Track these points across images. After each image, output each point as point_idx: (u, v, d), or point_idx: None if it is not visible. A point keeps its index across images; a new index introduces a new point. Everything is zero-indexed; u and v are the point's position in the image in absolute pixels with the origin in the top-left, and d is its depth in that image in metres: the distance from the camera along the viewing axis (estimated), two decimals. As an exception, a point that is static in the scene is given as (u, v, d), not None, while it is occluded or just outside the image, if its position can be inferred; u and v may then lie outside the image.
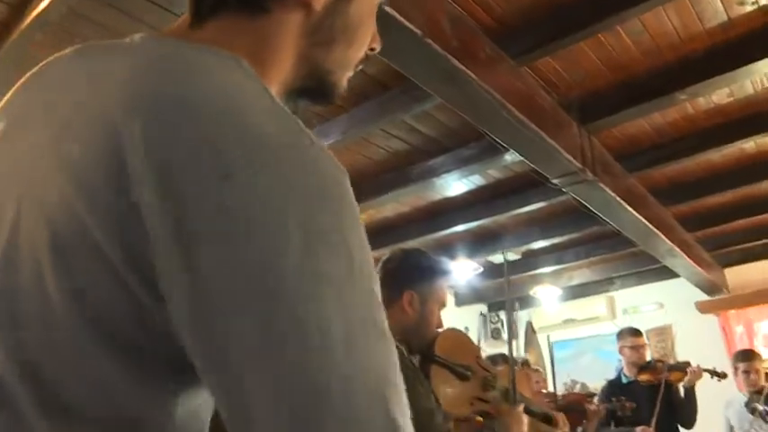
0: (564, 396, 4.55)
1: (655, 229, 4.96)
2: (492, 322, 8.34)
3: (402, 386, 0.52)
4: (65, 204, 0.54)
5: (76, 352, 0.54)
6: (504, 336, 8.03)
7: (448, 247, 6.16)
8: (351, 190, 0.57)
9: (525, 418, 2.14)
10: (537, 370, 4.78)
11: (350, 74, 0.79)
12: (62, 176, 0.56)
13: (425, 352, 1.99)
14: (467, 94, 2.94)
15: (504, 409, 2.03)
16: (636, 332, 4.85)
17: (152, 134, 0.51)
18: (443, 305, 2.07)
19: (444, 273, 2.12)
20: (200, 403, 0.62)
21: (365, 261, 0.55)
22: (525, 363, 4.45)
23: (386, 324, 0.54)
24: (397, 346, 1.59)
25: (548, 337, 6.38)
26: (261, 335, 0.48)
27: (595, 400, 4.49)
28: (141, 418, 0.58)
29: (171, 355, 0.54)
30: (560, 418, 2.68)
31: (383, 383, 0.51)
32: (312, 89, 0.77)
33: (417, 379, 1.81)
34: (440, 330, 2.08)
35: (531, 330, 8.19)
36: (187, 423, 0.61)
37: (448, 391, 1.97)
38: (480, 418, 2.15)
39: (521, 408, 2.08)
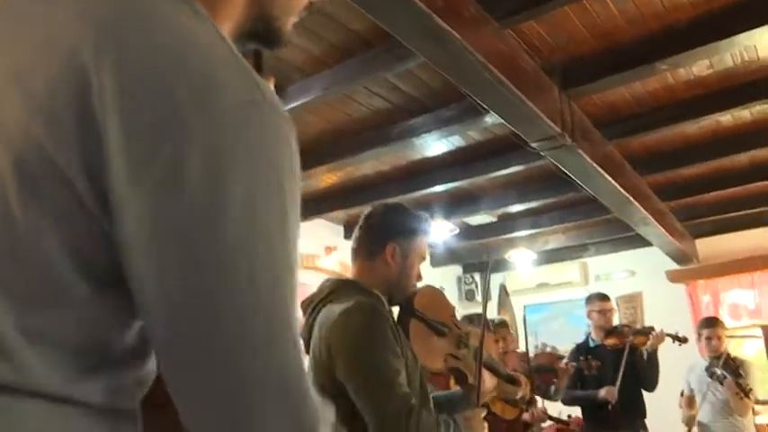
0: (536, 356, 4.67)
1: (630, 198, 5.03)
2: (466, 283, 8.44)
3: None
4: (25, 129, 0.57)
5: (42, 270, 0.57)
6: (478, 298, 8.14)
7: (425, 207, 6.18)
8: (295, 145, 0.63)
9: (491, 379, 2.24)
10: (510, 333, 4.85)
11: (294, 19, 0.82)
12: (23, 101, 0.58)
13: (405, 306, 2.04)
14: (450, 53, 2.94)
15: (472, 365, 2.10)
16: (604, 297, 4.96)
17: (115, 72, 0.56)
18: (423, 259, 2.10)
19: (425, 228, 2.14)
20: None
21: (295, 217, 0.63)
22: (503, 323, 4.51)
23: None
24: (378, 298, 1.64)
25: (524, 309, 6.52)
26: (191, 260, 0.56)
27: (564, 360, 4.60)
28: (107, 340, 0.61)
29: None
30: (523, 379, 2.76)
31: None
32: (260, 33, 0.80)
33: (395, 331, 1.86)
34: (418, 286, 2.13)
35: (504, 293, 8.30)
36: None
37: (425, 345, 2.02)
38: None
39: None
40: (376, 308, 1.86)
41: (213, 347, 0.56)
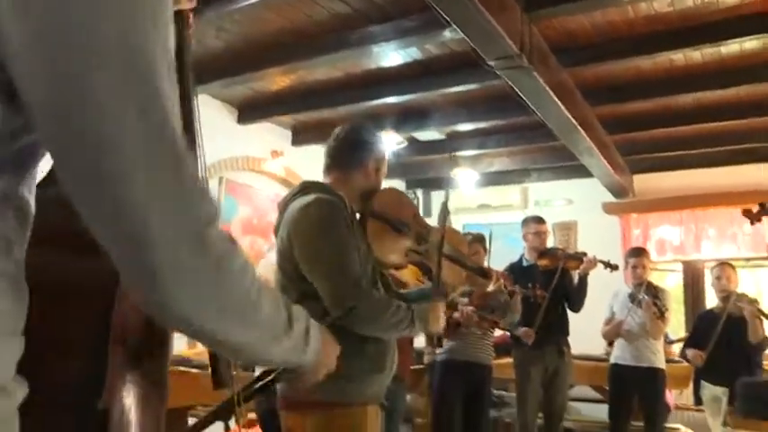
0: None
1: (578, 126, 5.11)
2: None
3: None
4: None
5: None
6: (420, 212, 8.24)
7: (376, 119, 6.17)
8: None
9: (455, 270, 2.38)
10: (484, 248, 4.88)
11: None
12: None
13: (364, 206, 2.21)
14: (418, -40, 2.90)
15: (434, 258, 2.23)
16: (539, 220, 5.10)
17: None
18: (385, 174, 2.33)
19: (387, 145, 2.32)
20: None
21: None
22: (480, 238, 4.57)
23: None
24: (340, 198, 1.72)
25: (463, 227, 6.63)
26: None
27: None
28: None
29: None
30: (495, 272, 2.91)
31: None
32: None
33: (351, 225, 2.05)
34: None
35: (445, 212, 8.41)
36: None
37: (382, 241, 2.19)
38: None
39: (446, 263, 2.32)
40: (334, 203, 2.04)
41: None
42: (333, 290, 1.93)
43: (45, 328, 0.65)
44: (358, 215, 2.22)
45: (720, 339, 4.32)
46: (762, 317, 4.24)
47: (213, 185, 6.31)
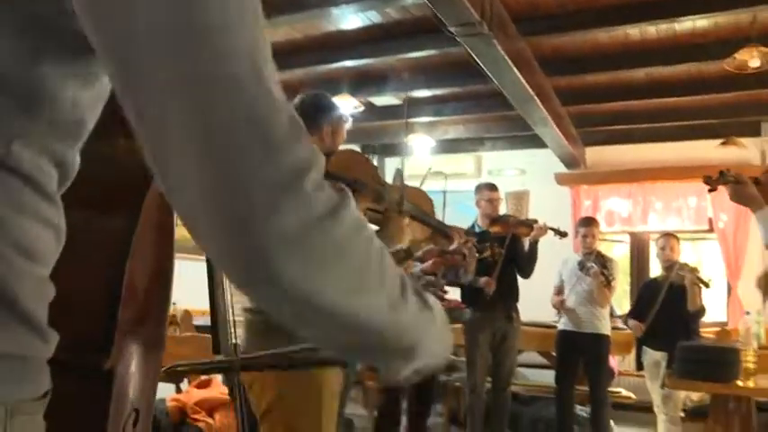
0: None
1: (534, 96, 5.17)
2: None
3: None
4: None
5: None
6: (373, 179, 8.26)
7: (332, 82, 6.14)
8: None
9: (418, 228, 2.42)
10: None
11: None
12: None
13: None
14: None
15: (392, 216, 2.26)
16: (492, 187, 5.17)
17: None
18: (343, 140, 2.43)
19: (344, 111, 2.49)
20: (91, 95, 0.65)
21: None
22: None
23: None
24: None
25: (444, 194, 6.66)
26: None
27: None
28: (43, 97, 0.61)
29: (73, 35, 0.57)
30: (457, 232, 2.95)
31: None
32: None
33: None
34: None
35: (399, 177, 8.46)
36: (79, 109, 0.65)
37: None
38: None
39: (406, 219, 2.34)
40: None
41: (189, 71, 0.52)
42: None
43: (56, 284, 0.65)
44: None
45: (662, 307, 4.48)
46: (700, 285, 4.40)
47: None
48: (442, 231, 2.64)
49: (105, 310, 0.85)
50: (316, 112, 2.29)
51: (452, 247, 3.01)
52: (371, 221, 2.34)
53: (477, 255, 4.46)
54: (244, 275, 0.57)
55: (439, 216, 4.38)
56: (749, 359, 3.50)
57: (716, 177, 2.66)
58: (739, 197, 2.65)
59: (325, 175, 2.02)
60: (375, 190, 2.36)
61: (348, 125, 2.50)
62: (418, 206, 2.52)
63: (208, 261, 1.35)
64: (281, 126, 0.56)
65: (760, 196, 2.60)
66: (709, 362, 3.49)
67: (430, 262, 3.91)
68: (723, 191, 2.77)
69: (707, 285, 4.39)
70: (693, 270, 4.47)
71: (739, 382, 3.42)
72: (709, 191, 2.72)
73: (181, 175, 0.54)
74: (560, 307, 5.13)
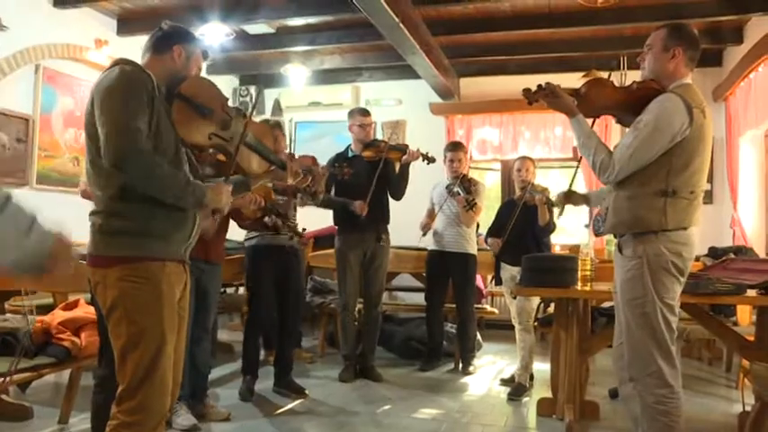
0: (299, 158, 4.88)
1: (401, 24, 5.27)
2: (242, 95, 8.47)
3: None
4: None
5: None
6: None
7: (201, 9, 6.05)
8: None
9: (256, 161, 2.56)
10: (282, 134, 4.97)
11: None
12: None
13: (172, 89, 2.34)
14: None
15: (234, 144, 2.40)
16: (364, 112, 5.27)
17: None
18: (199, 68, 2.51)
19: (204, 46, 2.55)
20: None
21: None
22: (278, 124, 4.66)
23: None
24: (147, 75, 1.88)
25: (295, 124, 6.73)
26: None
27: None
28: None
29: None
30: (294, 168, 3.06)
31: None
32: None
33: (153, 100, 2.18)
34: None
35: (278, 108, 8.47)
36: None
37: (186, 122, 2.33)
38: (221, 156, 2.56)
39: (249, 152, 2.50)
40: (137, 74, 2.17)
41: None
42: (111, 142, 2.05)
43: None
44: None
45: (517, 225, 4.75)
46: (549, 205, 4.70)
47: (28, 73, 6.00)
48: (280, 165, 2.76)
49: None
50: (170, 36, 2.40)
51: (290, 180, 3.18)
52: (216, 146, 2.44)
53: (325, 175, 4.62)
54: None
55: (314, 146, 4.50)
56: (586, 267, 3.81)
57: (534, 91, 2.87)
58: (555, 107, 2.86)
59: (176, 96, 2.23)
60: (222, 118, 2.45)
61: (207, 59, 2.61)
62: (260, 140, 2.63)
63: None
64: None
65: (573, 105, 2.83)
66: (550, 270, 3.78)
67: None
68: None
69: (555, 205, 4.69)
70: (544, 190, 4.75)
71: (577, 287, 3.73)
72: (529, 103, 2.91)
73: None
74: (425, 229, 5.36)
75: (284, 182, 3.09)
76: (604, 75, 3.05)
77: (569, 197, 3.43)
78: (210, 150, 2.60)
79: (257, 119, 4.27)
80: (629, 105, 2.82)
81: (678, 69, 2.79)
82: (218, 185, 2.32)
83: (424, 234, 5.40)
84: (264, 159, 2.65)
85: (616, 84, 2.93)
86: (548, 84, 2.83)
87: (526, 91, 2.83)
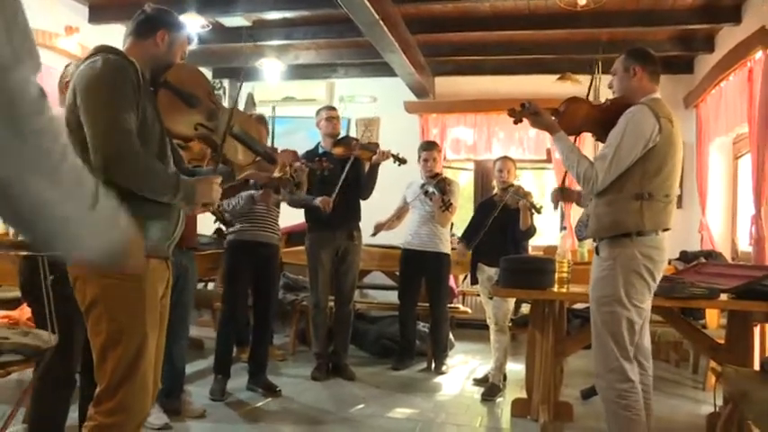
0: (281, 152, 4.82)
1: (380, 21, 5.24)
2: (215, 88, 8.36)
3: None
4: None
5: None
6: (225, 103, 8.13)
7: (178, 1, 5.95)
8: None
9: (249, 154, 2.52)
10: (265, 128, 4.90)
11: None
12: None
13: (158, 77, 2.28)
14: None
15: (220, 135, 2.35)
16: (330, 107, 5.26)
17: None
18: (184, 55, 2.42)
19: (188, 31, 2.50)
20: None
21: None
22: (261, 118, 4.61)
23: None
24: (131, 63, 1.82)
25: (273, 108, 6.70)
26: None
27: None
28: None
29: None
30: (283, 160, 3.03)
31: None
32: None
33: (138, 90, 2.11)
34: None
35: (251, 102, 8.38)
36: None
37: (171, 112, 2.29)
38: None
39: (235, 143, 2.46)
40: (122, 64, 2.10)
41: None
42: (99, 145, 2.00)
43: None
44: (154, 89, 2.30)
45: (495, 226, 4.76)
46: (532, 209, 4.72)
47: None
48: (267, 157, 2.72)
49: None
50: (153, 20, 2.30)
51: (277, 173, 3.15)
52: (202, 137, 2.40)
53: (306, 169, 4.59)
54: None
55: (288, 141, 4.45)
56: (564, 269, 3.84)
57: (518, 110, 3.00)
58: (538, 125, 3.05)
59: (162, 84, 2.17)
60: (209, 108, 2.41)
61: (191, 45, 2.54)
62: (246, 131, 2.59)
63: None
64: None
65: (555, 123, 3.01)
66: (528, 271, 3.81)
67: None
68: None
69: (539, 211, 4.72)
70: (527, 195, 4.77)
71: (554, 289, 3.76)
72: (514, 122, 3.06)
73: None
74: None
75: (269, 174, 3.06)
76: (579, 78, 3.19)
77: (563, 193, 3.51)
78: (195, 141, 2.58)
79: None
80: (605, 122, 2.99)
81: (642, 85, 2.98)
82: (207, 179, 2.27)
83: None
84: (251, 150, 2.62)
85: (591, 99, 3.09)
86: (530, 103, 3.01)
87: (511, 111, 3.01)
